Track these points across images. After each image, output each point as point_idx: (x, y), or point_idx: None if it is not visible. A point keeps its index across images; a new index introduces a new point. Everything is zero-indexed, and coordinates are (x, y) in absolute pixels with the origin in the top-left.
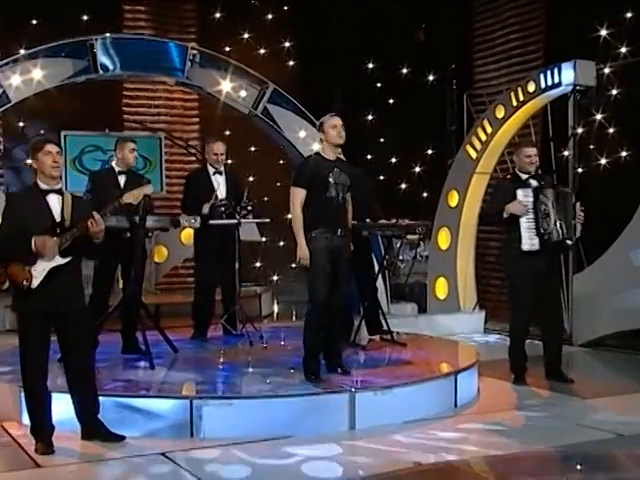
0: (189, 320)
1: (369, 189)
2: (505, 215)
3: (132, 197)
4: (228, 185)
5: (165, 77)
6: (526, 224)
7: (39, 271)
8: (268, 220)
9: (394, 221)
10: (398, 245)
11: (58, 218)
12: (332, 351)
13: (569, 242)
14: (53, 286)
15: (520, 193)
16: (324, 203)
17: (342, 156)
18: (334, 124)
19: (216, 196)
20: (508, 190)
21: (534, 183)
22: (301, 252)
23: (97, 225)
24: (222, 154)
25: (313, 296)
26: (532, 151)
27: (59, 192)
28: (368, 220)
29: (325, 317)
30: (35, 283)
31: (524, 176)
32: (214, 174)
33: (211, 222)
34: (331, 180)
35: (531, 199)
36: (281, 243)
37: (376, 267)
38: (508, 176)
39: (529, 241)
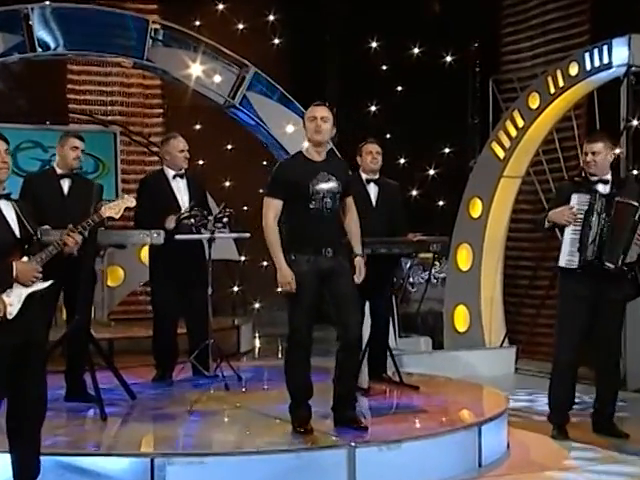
0: (150, 358)
1: (400, 208)
2: (547, 224)
3: (113, 210)
4: (190, 191)
5: (120, 58)
6: (570, 236)
7: (14, 298)
8: (248, 235)
9: (402, 236)
10: (408, 266)
11: (17, 231)
12: (342, 400)
13: (609, 265)
14: (29, 315)
15: (574, 198)
16: (305, 217)
17: (336, 152)
18: (311, 116)
19: (181, 207)
20: (565, 193)
21: (602, 189)
22: (281, 276)
23: (74, 241)
24: (187, 151)
25: (291, 330)
26: (593, 147)
27: (7, 198)
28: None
29: (308, 354)
30: (13, 312)
31: (594, 178)
32: (174, 178)
33: (178, 237)
34: (313, 187)
35: (585, 207)
36: (264, 263)
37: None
38: (577, 178)
39: (567, 257)
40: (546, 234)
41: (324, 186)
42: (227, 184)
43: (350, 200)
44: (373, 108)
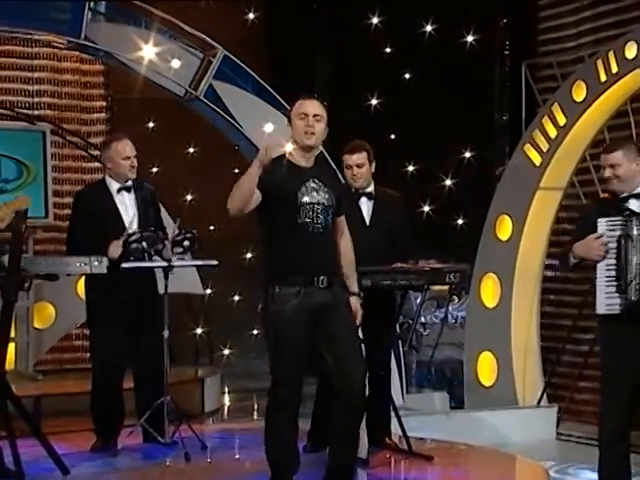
0: (89, 421)
1: (404, 223)
2: (573, 260)
3: None
4: (140, 208)
5: (51, 36)
6: (604, 274)
7: None
8: (215, 263)
9: (411, 264)
10: (418, 301)
11: None
12: (339, 474)
13: None
14: None
15: (601, 224)
16: (292, 234)
17: (327, 158)
18: (302, 113)
19: (124, 225)
20: (590, 218)
21: (636, 206)
22: (257, 158)
23: None
24: (135, 158)
25: (273, 384)
26: (610, 159)
27: None
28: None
29: (294, 415)
30: None
31: (624, 194)
32: (119, 191)
33: (125, 266)
34: (302, 197)
35: (617, 233)
36: (235, 298)
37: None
38: (603, 195)
39: (605, 301)
40: (573, 271)
41: (314, 197)
42: (188, 198)
43: (342, 221)
44: (374, 102)
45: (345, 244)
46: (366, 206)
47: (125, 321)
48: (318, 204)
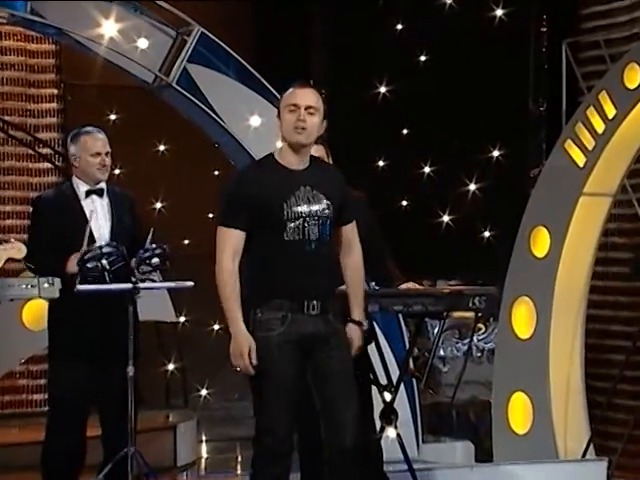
0: (37, 477)
1: (369, 229)
2: None
3: None
4: (114, 217)
5: None
6: None
7: None
8: (190, 284)
9: (428, 286)
10: (437, 331)
11: None
12: None
13: None
14: None
15: None
16: (278, 253)
17: (327, 157)
18: (292, 103)
19: (92, 238)
20: None
21: None
22: (235, 345)
23: None
24: (107, 155)
25: (258, 431)
26: None
27: None
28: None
29: (285, 469)
30: None
31: None
32: (87, 195)
33: (81, 288)
34: (289, 208)
35: None
36: (215, 327)
37: (392, 373)
38: None
39: None
40: None
41: (306, 207)
42: (158, 206)
43: (350, 230)
44: (382, 89)
45: (353, 259)
46: None
47: (84, 355)
48: (311, 216)
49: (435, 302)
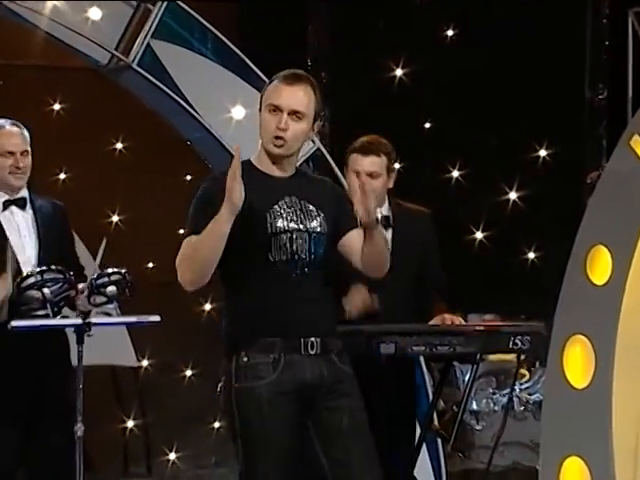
0: None
1: (428, 252)
2: None
3: None
4: (40, 232)
5: None
6: None
7: None
8: (157, 319)
9: (456, 320)
10: (468, 379)
11: None
12: None
13: None
14: None
15: None
16: (263, 280)
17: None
18: (272, 103)
19: (20, 262)
20: None
21: None
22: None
23: None
24: (23, 155)
25: None
26: None
27: None
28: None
29: None
30: None
31: None
32: (5, 207)
33: (16, 324)
34: (273, 221)
35: None
36: (187, 373)
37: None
38: None
39: None
40: None
41: (295, 221)
42: (115, 219)
43: (358, 236)
44: (398, 72)
45: (372, 249)
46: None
47: (18, 410)
48: (301, 231)
49: (466, 342)
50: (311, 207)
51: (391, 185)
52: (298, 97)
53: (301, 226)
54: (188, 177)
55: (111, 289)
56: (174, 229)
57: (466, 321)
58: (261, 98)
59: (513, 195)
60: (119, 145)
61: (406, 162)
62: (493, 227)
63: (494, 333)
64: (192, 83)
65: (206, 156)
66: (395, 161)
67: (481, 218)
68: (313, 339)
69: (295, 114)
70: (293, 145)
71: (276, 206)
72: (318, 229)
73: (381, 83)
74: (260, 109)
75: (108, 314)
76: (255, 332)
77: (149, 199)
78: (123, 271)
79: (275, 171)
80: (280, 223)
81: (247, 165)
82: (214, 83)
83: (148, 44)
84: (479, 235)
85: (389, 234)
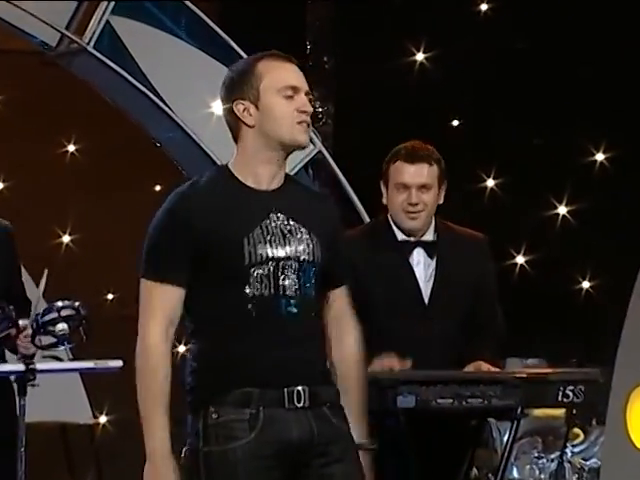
0: None
1: (484, 286)
2: None
3: None
4: None
5: None
6: None
7: None
8: (118, 364)
9: (491, 365)
10: (507, 439)
11: None
12: None
13: None
14: None
15: None
16: (240, 316)
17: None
18: (290, 86)
19: None
20: None
21: None
22: (151, 473)
23: None
24: None
25: None
26: None
27: None
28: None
29: None
30: None
31: None
32: None
33: None
34: (252, 248)
35: None
36: None
37: None
38: None
39: None
40: None
41: (282, 247)
42: (65, 240)
43: (340, 297)
44: (419, 57)
45: (347, 346)
46: (424, 267)
47: None
48: (288, 259)
49: (504, 393)
50: (302, 229)
51: (442, 200)
52: (298, 74)
53: (288, 251)
54: (157, 187)
55: (61, 327)
56: (138, 252)
57: (504, 366)
58: (244, 82)
59: (562, 210)
60: (71, 147)
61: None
62: (537, 249)
63: (539, 382)
64: (163, 71)
65: (180, 161)
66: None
67: (522, 238)
68: (300, 388)
69: (307, 94)
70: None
71: (257, 229)
72: (308, 257)
73: (397, 71)
74: (244, 97)
75: (57, 358)
76: (227, 383)
77: (108, 214)
78: (76, 304)
79: (262, 181)
80: (261, 250)
81: (224, 173)
82: (190, 71)
83: (107, 22)
84: (520, 259)
85: (432, 264)
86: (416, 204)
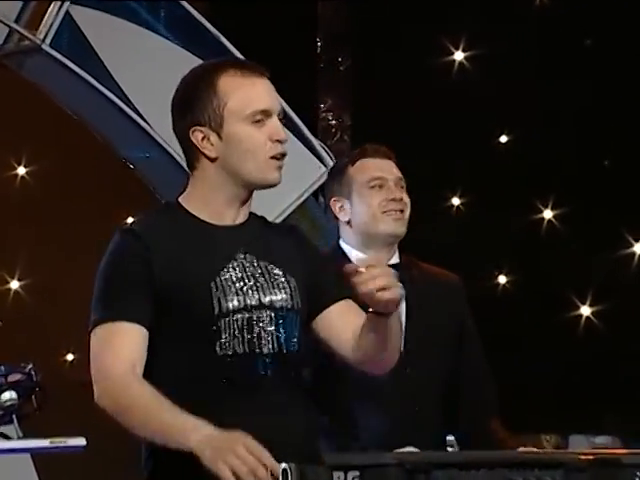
0: None
1: (465, 336)
2: None
3: None
4: None
5: None
6: None
7: None
8: (81, 442)
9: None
10: None
11: None
12: None
13: None
14: None
15: None
16: (207, 381)
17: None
18: (260, 110)
19: None
20: None
21: None
22: (219, 448)
23: None
24: None
25: None
26: None
27: None
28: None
29: None
30: None
31: None
32: None
33: None
34: (223, 292)
35: None
36: None
37: None
38: None
39: None
40: None
41: (254, 294)
42: (14, 286)
43: (348, 307)
44: (458, 56)
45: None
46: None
47: None
48: (262, 308)
49: (567, 477)
50: (276, 270)
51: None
52: (269, 88)
53: (263, 299)
54: (128, 219)
55: (8, 396)
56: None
57: (566, 446)
58: (211, 95)
59: (638, 249)
60: (21, 170)
61: (469, 194)
62: (606, 299)
63: (610, 465)
64: (137, 74)
65: (159, 187)
66: None
67: (588, 285)
68: (284, 466)
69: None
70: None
71: (224, 272)
72: (288, 304)
73: (432, 73)
74: (207, 123)
75: (4, 436)
76: (194, 464)
77: (66, 255)
78: (27, 368)
79: (224, 216)
80: (231, 298)
81: (173, 208)
82: (172, 75)
83: (67, 13)
84: (585, 311)
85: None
86: (400, 199)
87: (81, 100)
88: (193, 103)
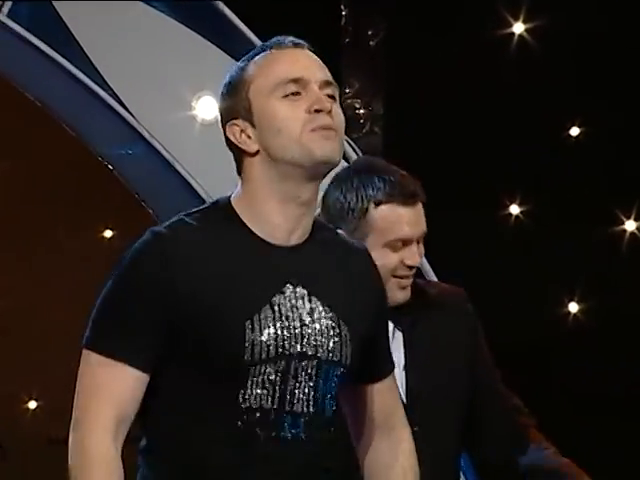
0: None
1: (479, 364)
2: None
3: None
4: None
5: None
6: None
7: None
8: None
9: None
10: None
11: None
12: None
13: None
14: None
15: None
16: (226, 440)
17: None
18: (292, 78)
19: None
20: None
21: None
22: None
23: None
24: None
25: None
26: None
27: None
28: None
29: None
30: None
31: None
32: None
33: None
34: (260, 332)
35: None
36: None
37: None
38: None
39: None
40: None
41: (294, 342)
42: None
43: (389, 392)
44: (518, 29)
45: (405, 460)
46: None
47: None
48: (306, 357)
49: None
50: (329, 312)
51: None
52: (317, 65)
53: (306, 346)
54: (107, 233)
55: None
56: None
57: None
58: (246, 81)
59: None
60: None
61: (531, 203)
62: None
63: None
64: (119, 55)
65: (143, 192)
66: None
67: None
68: None
69: (326, 87)
70: (341, 141)
71: (266, 308)
72: (335, 355)
73: (474, 52)
74: (240, 109)
75: None
76: None
77: (34, 275)
78: None
79: (274, 233)
80: (269, 341)
81: (224, 212)
82: (163, 55)
83: None
84: None
85: (399, 337)
86: (415, 265)
87: (47, 84)
88: (226, 96)
